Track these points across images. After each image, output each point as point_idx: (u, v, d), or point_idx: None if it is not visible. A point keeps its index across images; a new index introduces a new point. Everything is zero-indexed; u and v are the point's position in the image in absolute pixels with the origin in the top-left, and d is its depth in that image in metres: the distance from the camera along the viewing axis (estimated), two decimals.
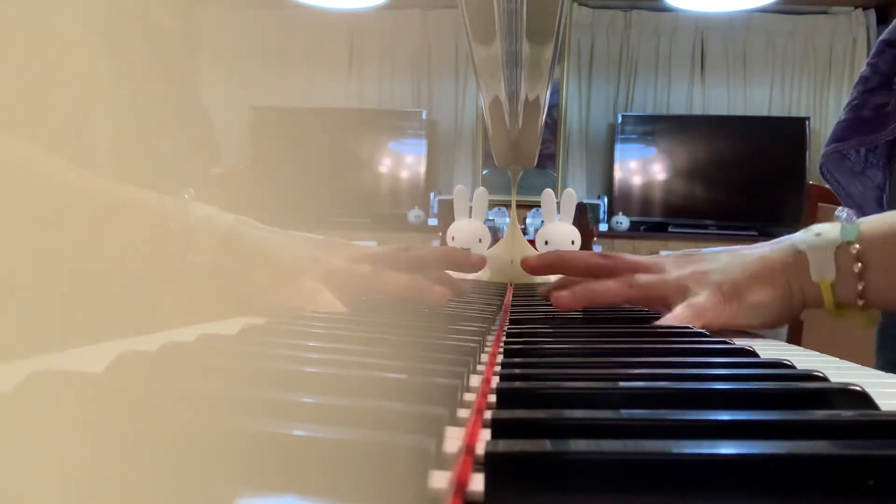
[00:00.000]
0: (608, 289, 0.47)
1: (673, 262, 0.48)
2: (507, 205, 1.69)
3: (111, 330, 0.30)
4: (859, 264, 0.41)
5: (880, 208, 0.66)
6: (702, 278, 0.45)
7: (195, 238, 0.40)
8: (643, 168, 3.33)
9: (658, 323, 0.43)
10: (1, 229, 0.33)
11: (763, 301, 0.43)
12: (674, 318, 0.43)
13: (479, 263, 0.49)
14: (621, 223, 3.21)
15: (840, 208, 0.44)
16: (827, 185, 0.75)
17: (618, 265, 0.48)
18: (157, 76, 0.60)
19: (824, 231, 0.43)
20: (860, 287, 0.41)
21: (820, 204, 1.39)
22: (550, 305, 0.50)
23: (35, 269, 0.36)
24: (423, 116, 3.34)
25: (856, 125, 0.68)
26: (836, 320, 0.44)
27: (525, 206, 2.77)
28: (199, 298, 0.42)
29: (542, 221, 0.91)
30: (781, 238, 0.46)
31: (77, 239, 0.37)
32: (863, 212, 0.43)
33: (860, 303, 0.42)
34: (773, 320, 0.45)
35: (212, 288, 0.41)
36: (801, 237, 0.44)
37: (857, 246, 0.41)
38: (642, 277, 0.47)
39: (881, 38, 0.67)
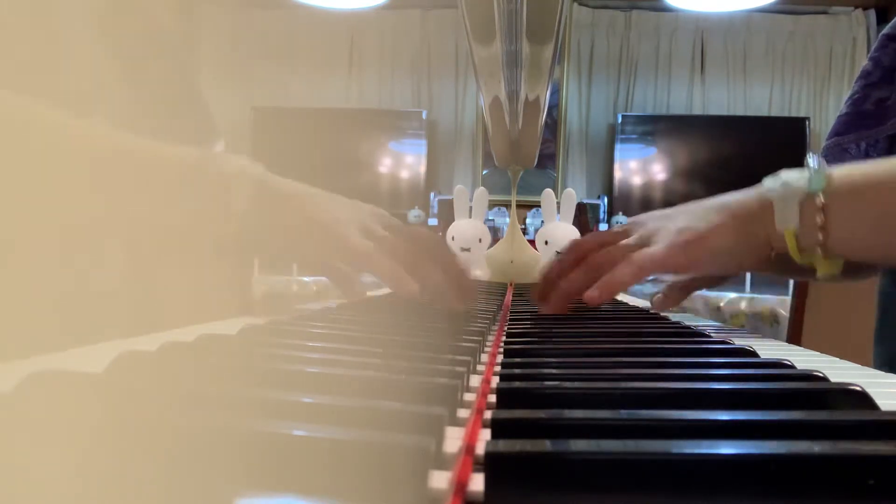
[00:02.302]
0: (572, 281, 0.47)
1: (636, 223, 0.50)
2: (507, 205, 1.69)
3: (111, 330, 0.30)
4: (822, 215, 0.41)
5: None
6: (663, 231, 0.46)
7: (231, 185, 0.41)
8: (643, 168, 3.32)
9: (597, 285, 0.44)
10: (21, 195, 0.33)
11: (723, 247, 0.44)
12: (628, 270, 0.45)
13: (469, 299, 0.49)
14: (621, 223, 3.21)
15: (811, 154, 0.44)
16: None
17: (584, 250, 0.49)
18: (158, 74, 0.60)
19: (792, 179, 0.43)
20: (821, 237, 0.42)
21: None
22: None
23: (15, 271, 0.36)
24: (423, 116, 3.34)
25: (857, 119, 0.68)
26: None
27: (525, 206, 2.77)
28: (236, 247, 0.42)
29: (542, 221, 0.91)
30: (748, 188, 0.46)
31: (118, 195, 0.37)
32: None
33: (819, 252, 0.42)
34: (737, 265, 0.46)
35: (252, 233, 0.42)
36: (769, 184, 0.44)
37: (822, 197, 0.41)
38: (601, 253, 0.48)
39: (883, 32, 0.67)
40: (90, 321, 0.43)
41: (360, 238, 0.44)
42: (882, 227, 0.41)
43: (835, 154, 0.70)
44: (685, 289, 0.55)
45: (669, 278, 0.54)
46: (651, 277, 0.48)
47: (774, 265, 0.45)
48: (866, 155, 0.68)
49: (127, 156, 0.37)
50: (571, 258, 0.49)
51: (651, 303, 0.56)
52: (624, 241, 0.48)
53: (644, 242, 0.47)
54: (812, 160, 0.43)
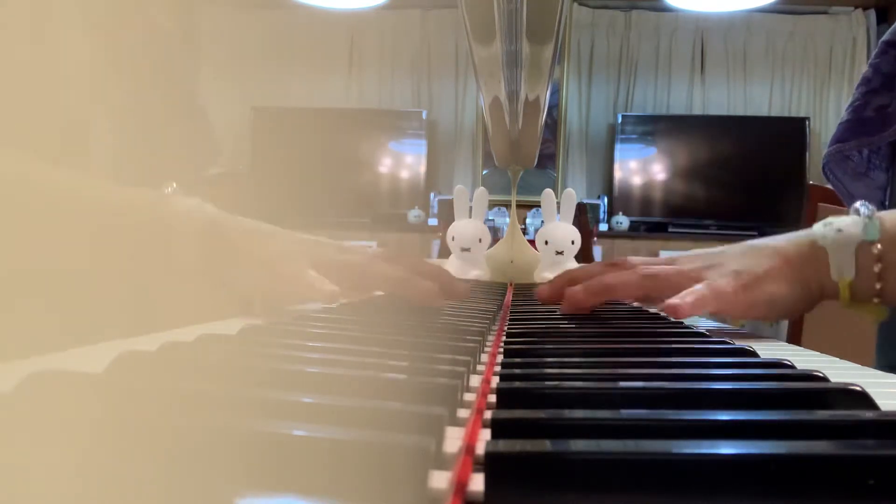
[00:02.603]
0: (622, 280, 0.46)
1: (686, 258, 0.48)
2: (507, 205, 1.69)
3: (111, 330, 0.30)
4: (880, 264, 0.41)
5: (883, 209, 0.66)
6: (719, 269, 0.45)
7: (175, 232, 0.40)
8: (643, 168, 3.32)
9: (673, 301, 0.42)
10: None
11: (779, 294, 0.43)
12: (691, 293, 0.42)
13: (464, 293, 0.48)
14: (621, 223, 3.21)
15: (861, 202, 0.43)
16: (829, 186, 0.75)
17: (627, 264, 0.48)
18: (155, 77, 0.60)
19: (844, 227, 0.42)
20: (878, 286, 0.41)
21: (820, 204, 1.39)
22: (552, 305, 0.50)
23: (14, 271, 0.36)
24: (423, 116, 3.34)
25: (858, 126, 0.68)
26: (841, 314, 0.44)
27: (525, 206, 2.77)
28: (184, 292, 0.41)
29: (542, 221, 0.91)
30: (799, 232, 0.45)
31: (53, 238, 0.36)
32: None
33: (876, 300, 0.42)
34: (790, 312, 0.45)
35: (195, 282, 0.41)
36: (821, 232, 0.43)
37: (879, 246, 0.41)
38: (657, 268, 0.46)
39: (883, 38, 0.67)
40: (90, 321, 0.43)
41: (308, 278, 0.43)
42: None
43: (837, 161, 0.70)
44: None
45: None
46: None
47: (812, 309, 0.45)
48: (868, 161, 0.68)
49: (74, 199, 0.37)
50: (619, 265, 0.48)
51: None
52: (679, 269, 0.46)
53: (698, 277, 0.45)
54: (863, 207, 0.43)
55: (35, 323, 0.38)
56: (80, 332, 0.31)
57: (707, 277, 0.45)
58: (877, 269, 0.41)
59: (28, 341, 0.26)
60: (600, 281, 0.46)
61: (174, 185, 0.41)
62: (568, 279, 0.50)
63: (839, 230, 0.42)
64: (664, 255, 0.56)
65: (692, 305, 0.42)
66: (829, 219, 0.44)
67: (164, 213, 0.40)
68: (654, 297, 0.50)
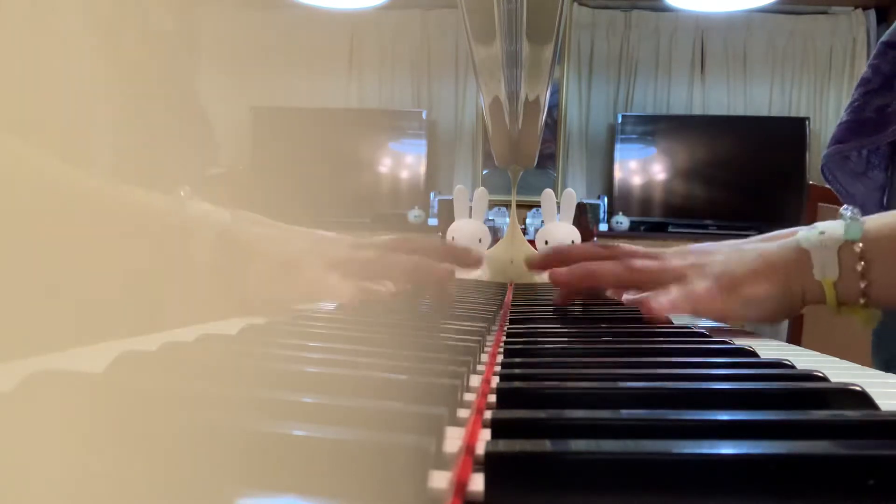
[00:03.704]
0: (605, 268, 0.47)
1: (673, 253, 0.49)
2: (507, 205, 1.69)
3: (111, 330, 0.30)
4: (862, 263, 0.41)
5: (882, 210, 0.66)
6: (701, 270, 0.46)
7: (192, 235, 0.40)
8: (643, 168, 3.32)
9: (651, 304, 0.44)
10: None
11: (760, 295, 0.44)
12: (668, 300, 0.44)
13: (477, 261, 0.49)
14: (621, 223, 3.21)
15: (845, 206, 0.44)
16: (828, 186, 0.75)
17: (617, 252, 0.48)
18: (155, 77, 0.60)
19: (828, 229, 0.43)
20: (863, 286, 0.41)
21: (820, 204, 1.39)
22: (550, 305, 0.50)
23: (31, 271, 0.36)
24: (423, 116, 3.34)
25: (857, 126, 0.68)
26: (836, 317, 0.44)
27: (525, 206, 2.77)
28: (199, 296, 0.41)
29: (542, 221, 0.91)
30: (785, 231, 0.46)
31: (71, 240, 0.36)
32: (865, 213, 0.43)
33: (862, 301, 0.42)
34: (770, 315, 0.45)
35: (211, 285, 0.41)
36: (805, 234, 0.44)
37: (861, 245, 0.41)
38: (640, 262, 0.47)
39: (882, 39, 0.67)
40: (90, 321, 0.43)
41: (325, 277, 0.43)
42: None
43: (836, 161, 0.70)
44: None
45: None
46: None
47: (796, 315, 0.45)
48: (867, 162, 0.68)
49: (88, 203, 0.36)
50: (608, 252, 0.49)
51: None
52: (663, 265, 0.47)
53: (680, 275, 0.46)
54: (846, 210, 0.43)
55: (35, 323, 0.38)
56: (80, 332, 0.31)
57: (688, 276, 0.46)
58: (859, 267, 0.41)
59: (28, 341, 0.26)
60: (585, 267, 0.47)
61: (188, 188, 0.41)
62: (560, 257, 0.51)
63: (822, 232, 0.43)
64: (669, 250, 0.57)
65: (661, 308, 0.44)
66: (815, 224, 0.44)
67: (180, 218, 0.40)
68: (633, 290, 0.51)
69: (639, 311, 0.50)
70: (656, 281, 0.46)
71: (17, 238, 0.34)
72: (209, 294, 0.41)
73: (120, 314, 0.38)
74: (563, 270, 0.46)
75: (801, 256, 0.43)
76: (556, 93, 3.22)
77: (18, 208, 0.34)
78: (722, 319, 0.45)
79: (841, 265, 0.42)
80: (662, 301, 0.44)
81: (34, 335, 0.35)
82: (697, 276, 0.45)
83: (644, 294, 0.46)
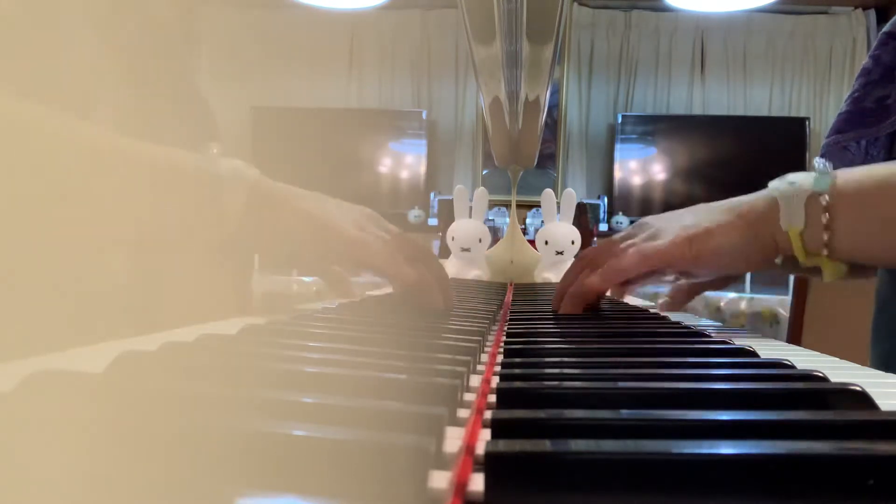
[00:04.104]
0: (580, 282, 0.48)
1: (639, 226, 0.51)
2: (507, 205, 1.69)
3: (111, 330, 0.30)
4: (827, 215, 0.42)
5: None
6: (667, 229, 0.47)
7: (227, 187, 0.41)
8: (643, 168, 3.32)
9: (600, 271, 0.46)
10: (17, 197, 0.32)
11: (728, 246, 0.45)
12: (616, 261, 0.46)
13: (447, 305, 0.49)
14: (621, 223, 3.21)
15: (818, 158, 0.44)
16: None
17: (587, 256, 0.50)
18: (157, 71, 0.60)
19: (799, 180, 0.43)
20: (826, 237, 0.42)
21: None
22: (551, 305, 0.50)
23: (13, 271, 0.36)
24: (423, 116, 3.34)
25: (857, 117, 0.68)
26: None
27: (525, 206, 2.76)
28: (235, 247, 0.43)
29: (542, 221, 0.91)
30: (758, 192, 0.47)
31: (112, 197, 0.37)
32: None
33: (825, 252, 0.42)
34: (742, 264, 0.46)
35: (244, 236, 0.42)
36: (776, 184, 0.45)
37: (827, 197, 0.42)
38: (594, 248, 0.50)
39: (884, 30, 0.67)
40: (90, 321, 0.43)
41: (356, 231, 0.45)
42: (886, 229, 0.41)
43: (835, 152, 0.70)
44: (690, 292, 0.56)
45: (670, 279, 0.55)
46: (659, 287, 0.49)
47: (781, 266, 0.46)
48: (866, 153, 0.68)
49: (124, 157, 0.37)
50: (580, 264, 0.50)
51: (657, 306, 0.57)
52: (628, 237, 0.49)
53: (650, 238, 0.48)
54: (818, 162, 0.44)
55: (35, 323, 0.38)
56: (80, 332, 0.31)
57: (659, 238, 0.47)
58: (824, 220, 0.42)
59: (28, 341, 0.26)
60: (570, 295, 0.49)
61: (217, 144, 0.42)
62: (559, 296, 0.52)
63: (792, 182, 0.44)
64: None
65: (602, 277, 0.46)
66: (787, 175, 0.45)
67: (214, 170, 0.41)
68: (638, 280, 0.52)
69: (639, 311, 0.50)
70: (610, 256, 0.48)
71: (46, 197, 0.33)
72: (243, 244, 0.43)
73: (119, 315, 0.38)
74: (563, 308, 0.48)
75: (771, 204, 0.44)
76: (556, 93, 3.22)
77: (42, 167, 0.33)
78: (690, 269, 0.47)
79: (807, 216, 0.42)
80: (625, 260, 0.45)
81: (34, 335, 0.35)
82: (665, 234, 0.47)
83: (585, 279, 0.47)
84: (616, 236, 0.52)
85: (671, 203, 3.28)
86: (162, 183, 0.39)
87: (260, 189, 0.43)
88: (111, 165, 0.36)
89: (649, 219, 0.51)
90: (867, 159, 0.68)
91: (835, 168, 0.43)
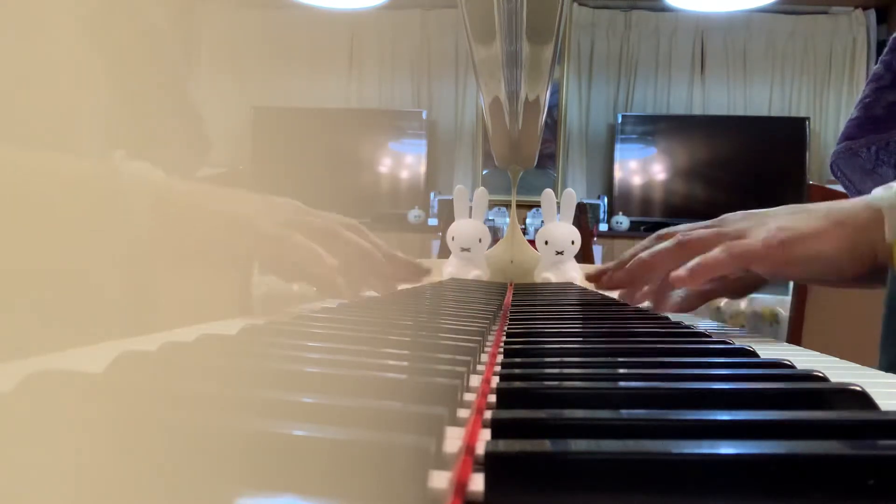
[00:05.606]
0: (658, 253, 0.46)
1: (733, 218, 0.47)
2: (507, 205, 1.69)
3: (111, 330, 0.30)
4: None
5: None
6: (761, 227, 0.44)
7: (130, 192, 0.38)
8: (643, 168, 3.32)
9: (689, 266, 0.42)
10: None
11: (823, 253, 0.42)
12: (704, 258, 0.42)
13: (421, 274, 0.47)
14: (621, 223, 3.21)
15: None
16: (833, 184, 0.74)
17: (671, 235, 0.47)
18: (148, 76, 0.59)
19: None
20: None
21: None
22: (551, 305, 0.50)
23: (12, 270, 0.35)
24: (423, 116, 3.34)
25: (868, 123, 0.67)
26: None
27: (525, 206, 2.76)
28: (143, 261, 0.40)
29: (542, 221, 0.91)
30: (854, 199, 0.44)
31: (11, 210, 0.34)
32: None
33: None
34: (835, 273, 0.43)
35: (155, 247, 0.40)
36: (879, 194, 0.42)
37: None
38: (695, 233, 0.45)
39: (894, 35, 0.66)
40: (90, 321, 0.43)
41: (270, 227, 0.42)
42: None
43: (846, 158, 0.70)
44: (704, 296, 0.53)
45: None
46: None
47: (866, 277, 0.43)
48: (877, 158, 0.68)
49: (18, 168, 0.35)
50: (675, 249, 0.47)
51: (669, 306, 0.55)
52: (719, 230, 0.46)
53: (740, 235, 0.44)
54: None
55: (35, 323, 0.37)
56: (80, 332, 0.31)
57: (748, 237, 0.44)
58: None
59: (28, 341, 0.26)
60: (639, 259, 0.46)
61: (122, 151, 0.40)
62: (618, 265, 0.50)
63: None
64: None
65: (691, 273, 0.42)
66: (891, 184, 0.42)
67: (113, 180, 0.38)
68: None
69: (639, 311, 0.50)
70: (711, 248, 0.44)
71: None
72: (154, 257, 0.40)
73: (119, 315, 0.38)
74: (620, 273, 0.45)
75: (874, 216, 0.41)
76: (556, 93, 3.22)
77: None
78: (778, 274, 0.44)
79: None
80: (715, 257, 0.42)
81: (34, 335, 0.35)
82: (757, 232, 0.43)
83: (673, 273, 0.44)
84: (699, 224, 0.48)
85: (671, 203, 3.28)
86: (60, 193, 0.37)
87: (168, 192, 0.40)
88: (4, 178, 0.34)
89: (736, 215, 0.48)
90: (877, 165, 0.68)
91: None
